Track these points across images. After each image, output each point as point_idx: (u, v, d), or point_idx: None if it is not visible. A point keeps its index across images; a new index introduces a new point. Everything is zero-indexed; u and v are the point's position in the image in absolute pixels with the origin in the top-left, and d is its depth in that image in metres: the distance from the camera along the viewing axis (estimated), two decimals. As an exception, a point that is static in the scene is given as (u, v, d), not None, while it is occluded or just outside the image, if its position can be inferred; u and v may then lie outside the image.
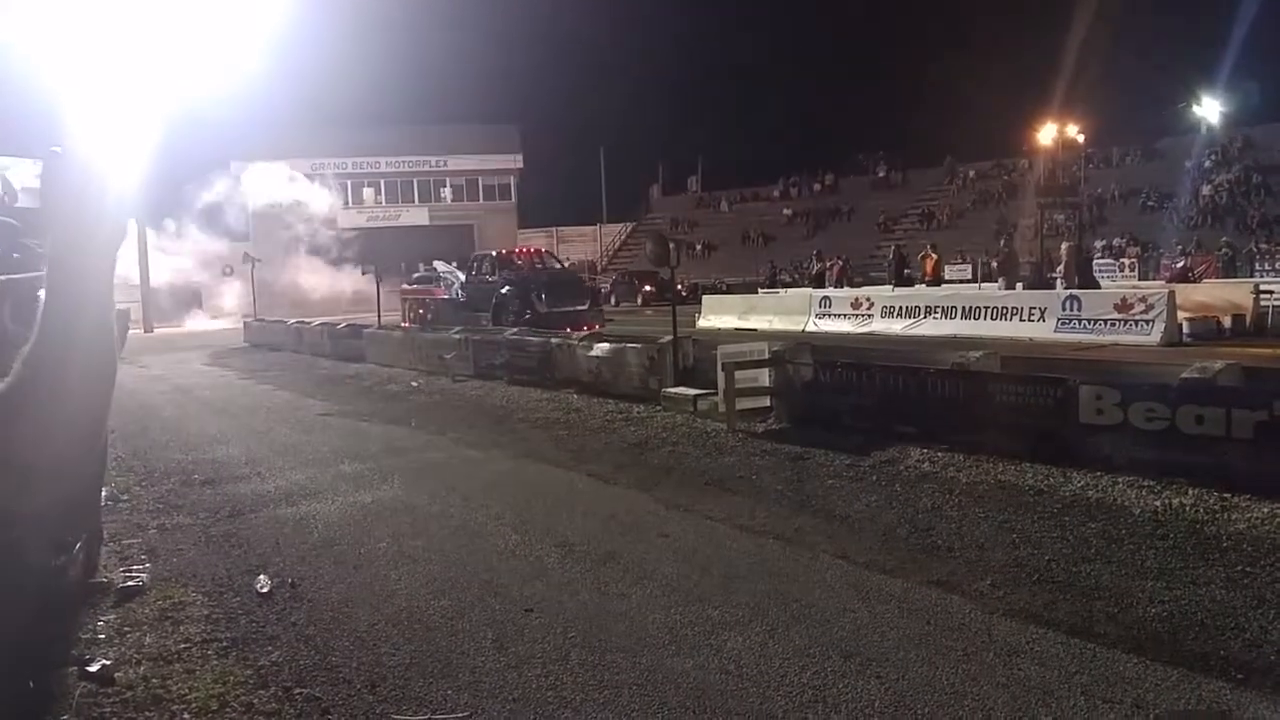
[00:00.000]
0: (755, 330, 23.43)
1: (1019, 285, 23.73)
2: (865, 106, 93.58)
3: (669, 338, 11.77)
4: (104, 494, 6.49)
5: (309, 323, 24.98)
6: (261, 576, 5.49)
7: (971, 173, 55.25)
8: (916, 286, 27.75)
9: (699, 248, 58.72)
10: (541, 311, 22.68)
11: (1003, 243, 31.06)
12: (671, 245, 12.68)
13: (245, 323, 30.00)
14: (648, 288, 41.94)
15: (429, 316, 27.40)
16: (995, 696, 3.71)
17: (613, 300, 40.97)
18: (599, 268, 54.88)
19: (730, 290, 37.48)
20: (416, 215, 59.09)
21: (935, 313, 21.05)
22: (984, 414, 7.91)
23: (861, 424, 8.82)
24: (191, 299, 52.45)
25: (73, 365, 1.39)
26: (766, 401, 9.95)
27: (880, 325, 22.00)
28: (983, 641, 4.25)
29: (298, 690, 3.98)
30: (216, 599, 5.21)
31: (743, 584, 5.14)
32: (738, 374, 9.80)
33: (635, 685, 3.94)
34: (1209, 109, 46.33)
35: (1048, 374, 8.17)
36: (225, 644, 4.52)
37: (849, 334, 21.84)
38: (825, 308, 24.27)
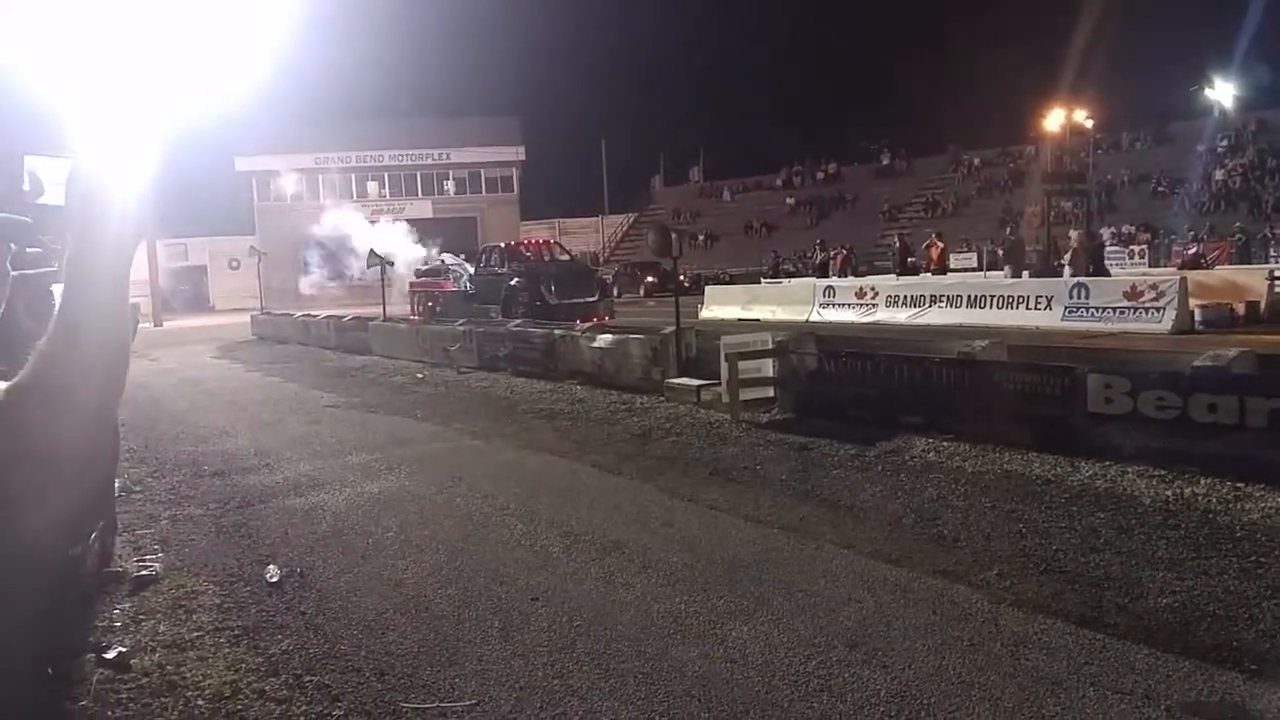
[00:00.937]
0: (759, 320, 23.39)
1: (1025, 274, 23.64)
2: (868, 94, 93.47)
3: (672, 328, 11.76)
4: (117, 485, 6.54)
5: (316, 316, 25.01)
6: (271, 566, 5.53)
7: (976, 160, 55.00)
8: (922, 275, 27.67)
9: (701, 238, 58.61)
10: (552, 303, 22.56)
11: (1008, 231, 30.97)
12: (674, 236, 12.67)
13: (253, 316, 30.04)
14: (650, 279, 41.90)
15: (437, 309, 27.33)
16: (1003, 687, 3.71)
17: (615, 291, 40.93)
18: (600, 259, 54.96)
19: (733, 280, 37.41)
20: (420, 208, 59.05)
21: (940, 302, 20.99)
22: (990, 403, 7.90)
23: (866, 414, 8.81)
24: (200, 293, 52.62)
25: (86, 360, 1.41)
26: (770, 392, 9.94)
27: (885, 315, 21.96)
28: (990, 632, 4.25)
29: (308, 678, 4.02)
30: (228, 588, 5.25)
31: (747, 574, 5.15)
32: (741, 364, 9.80)
33: (641, 674, 3.96)
34: (1222, 92, 45.76)
35: (1055, 362, 8.15)
36: (237, 632, 4.57)
37: (853, 324, 21.78)
38: (829, 297, 24.21)
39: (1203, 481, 6.33)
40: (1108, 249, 31.54)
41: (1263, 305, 17.99)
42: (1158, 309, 16.91)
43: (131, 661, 4.16)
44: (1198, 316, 17.00)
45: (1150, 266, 32.59)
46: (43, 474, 1.40)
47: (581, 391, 12.17)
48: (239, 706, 3.77)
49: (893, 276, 27.86)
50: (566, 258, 27.53)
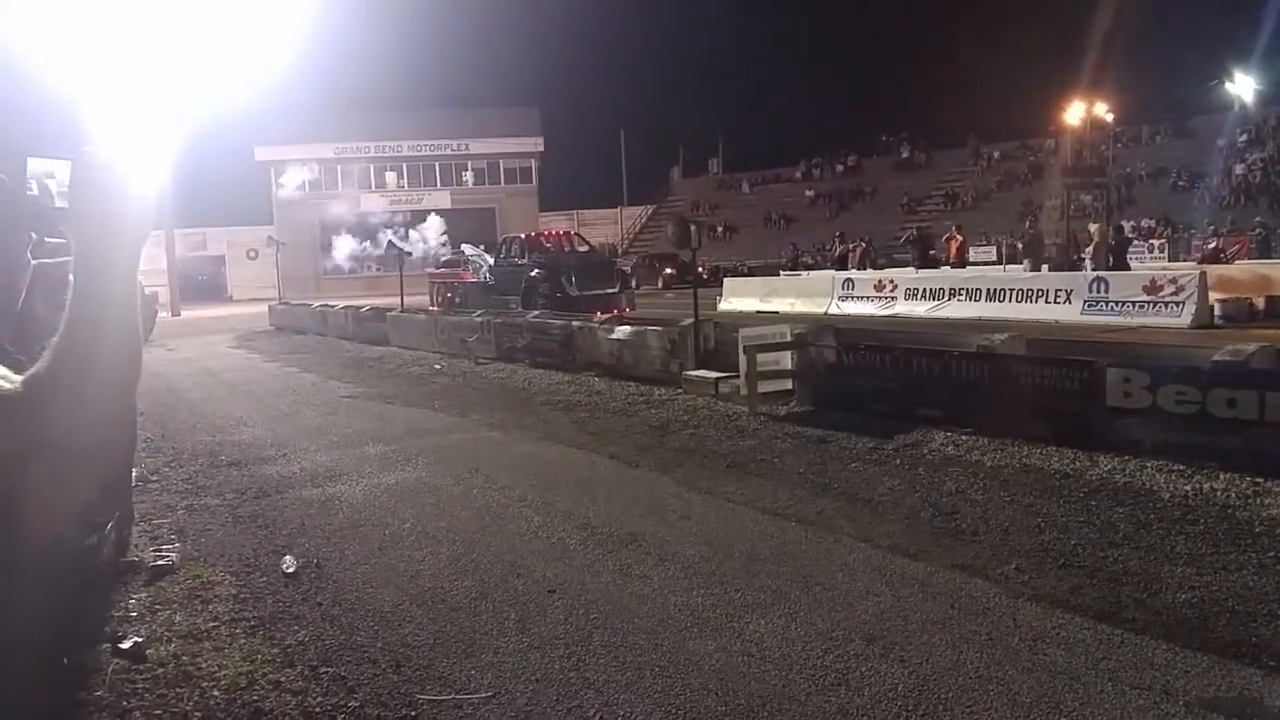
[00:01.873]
0: (777, 313, 23.36)
1: (1044, 267, 23.51)
2: (888, 86, 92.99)
3: (690, 320, 11.74)
4: (134, 475, 6.57)
5: (333, 306, 25.09)
6: (288, 557, 5.55)
7: (996, 153, 54.74)
8: (941, 269, 27.56)
9: (720, 230, 58.54)
10: (572, 295, 22.40)
11: (1028, 224, 30.76)
12: (693, 227, 12.62)
13: (270, 306, 30.17)
14: (669, 270, 41.79)
15: (456, 300, 27.31)
16: (1020, 681, 3.69)
17: (633, 283, 40.93)
18: (619, 250, 55.01)
19: (752, 273, 37.42)
20: (439, 199, 59.18)
21: (959, 295, 20.92)
22: (1009, 397, 7.85)
23: (884, 407, 8.78)
24: (217, 282, 52.88)
25: (101, 352, 1.42)
26: (788, 384, 9.91)
27: (904, 307, 21.89)
28: (1008, 626, 4.23)
29: (324, 669, 4.03)
30: (244, 579, 5.27)
31: (765, 567, 5.14)
32: (759, 357, 9.77)
33: (657, 667, 3.95)
34: (1242, 86, 45.42)
35: (1074, 356, 8.10)
36: (253, 623, 4.58)
37: (872, 316, 21.74)
38: (848, 290, 24.15)
39: (1222, 477, 6.27)
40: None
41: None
42: (1177, 303, 16.81)
43: (147, 652, 4.17)
44: (1217, 311, 16.89)
45: (1170, 261, 32.40)
46: (59, 465, 1.40)
47: (599, 383, 12.17)
48: (254, 697, 3.78)
49: (912, 269, 27.77)
50: (587, 249, 27.39)
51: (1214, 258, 28.18)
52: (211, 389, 13.93)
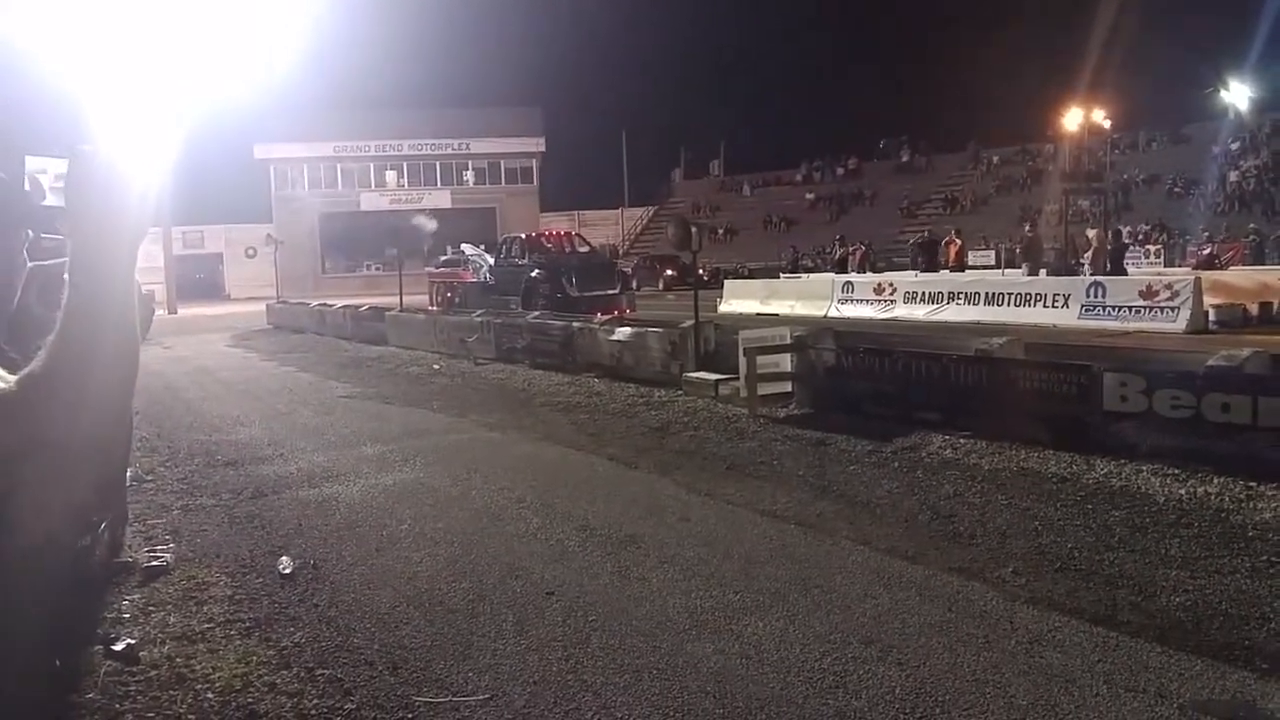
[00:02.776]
0: (777, 315, 23.36)
1: (1043, 271, 23.53)
2: (889, 90, 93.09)
3: (690, 322, 11.74)
4: (129, 475, 6.55)
5: (331, 305, 25.06)
6: (284, 558, 5.53)
7: (995, 158, 54.87)
8: (940, 273, 27.59)
9: (721, 232, 58.57)
10: (573, 295, 22.26)
11: (1027, 229, 30.76)
12: (693, 229, 12.64)
13: (268, 305, 30.13)
14: (669, 272, 41.79)
15: (456, 300, 27.22)
16: (1017, 684, 3.69)
17: (634, 284, 40.92)
18: (620, 251, 55.04)
19: (752, 275, 37.43)
20: (439, 198, 59.17)
21: (958, 299, 20.94)
22: (1007, 401, 7.86)
23: (883, 410, 8.78)
24: (215, 280, 52.81)
25: (98, 351, 1.41)
26: (788, 387, 9.91)
27: (903, 311, 21.91)
28: (1004, 629, 4.23)
29: (320, 671, 4.01)
30: (239, 580, 5.25)
31: (763, 569, 5.13)
32: (759, 359, 9.78)
33: (656, 669, 3.95)
34: (1237, 94, 45.55)
35: (1071, 360, 8.11)
36: (248, 624, 4.56)
37: (872, 319, 21.75)
38: (848, 293, 24.18)
39: (1216, 481, 6.29)
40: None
41: (1276, 306, 18.07)
42: (1172, 308, 16.89)
43: (140, 654, 4.13)
44: (1211, 316, 16.98)
45: (1165, 266, 32.50)
46: (54, 464, 1.39)
47: (599, 384, 12.16)
48: (249, 700, 3.75)
49: (911, 273, 27.79)
50: (587, 250, 27.28)
51: (1209, 264, 28.22)
52: (208, 388, 13.91)
